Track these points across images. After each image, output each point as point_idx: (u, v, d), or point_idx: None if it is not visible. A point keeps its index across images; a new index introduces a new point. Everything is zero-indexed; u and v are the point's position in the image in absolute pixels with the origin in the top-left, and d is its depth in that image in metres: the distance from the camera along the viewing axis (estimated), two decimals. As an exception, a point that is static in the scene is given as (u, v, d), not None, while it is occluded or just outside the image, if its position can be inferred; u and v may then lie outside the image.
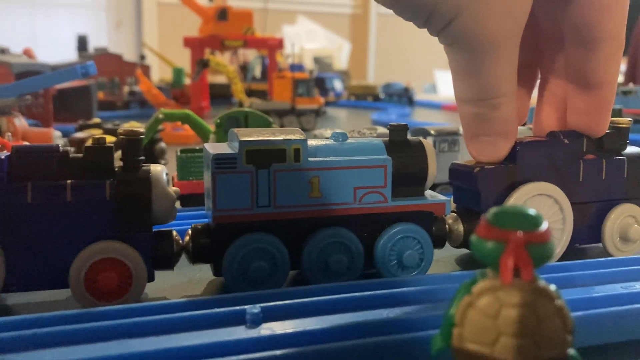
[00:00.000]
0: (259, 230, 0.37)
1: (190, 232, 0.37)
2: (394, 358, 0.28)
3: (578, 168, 0.43)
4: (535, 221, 0.19)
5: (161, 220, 0.36)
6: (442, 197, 0.40)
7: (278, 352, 0.27)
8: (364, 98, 2.07)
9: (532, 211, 0.19)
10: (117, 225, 0.34)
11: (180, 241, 0.37)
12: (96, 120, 0.99)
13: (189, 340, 0.28)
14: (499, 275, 0.19)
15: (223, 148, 0.38)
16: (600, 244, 0.45)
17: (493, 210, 0.20)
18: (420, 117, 1.61)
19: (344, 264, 0.38)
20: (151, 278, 0.36)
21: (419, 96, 2.14)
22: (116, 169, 0.35)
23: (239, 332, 0.29)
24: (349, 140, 0.39)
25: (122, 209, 0.34)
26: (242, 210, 0.37)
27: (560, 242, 0.43)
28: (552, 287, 0.20)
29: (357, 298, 0.33)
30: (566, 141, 0.43)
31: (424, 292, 0.34)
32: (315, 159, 0.38)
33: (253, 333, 0.29)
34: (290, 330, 0.29)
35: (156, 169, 0.36)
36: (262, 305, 0.31)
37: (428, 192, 0.41)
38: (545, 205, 0.42)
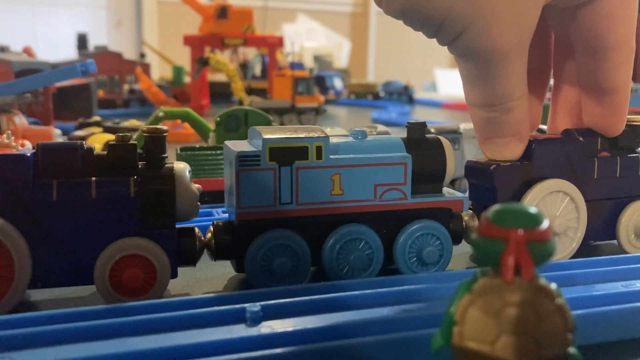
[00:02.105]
0: (281, 227, 0.37)
1: (212, 228, 0.38)
2: (395, 356, 0.28)
3: (593, 165, 0.43)
4: (536, 219, 0.19)
5: (184, 217, 0.36)
6: (459, 194, 0.41)
7: (278, 350, 0.27)
8: (364, 96, 2.07)
9: (533, 209, 0.19)
10: (141, 222, 0.35)
11: (202, 238, 0.37)
12: (96, 118, 0.99)
13: (189, 339, 0.28)
14: (499, 274, 0.19)
15: (245, 146, 0.38)
16: (614, 241, 0.46)
17: (494, 208, 0.20)
18: (420, 115, 1.61)
19: (364, 261, 0.39)
20: (174, 274, 0.36)
21: (418, 94, 2.14)
22: (140, 166, 0.35)
23: (239, 330, 0.29)
24: (368, 138, 0.40)
25: (147, 205, 0.34)
26: (265, 207, 0.37)
27: (575, 239, 0.43)
28: (553, 285, 0.20)
29: (357, 296, 0.33)
30: (581, 139, 0.43)
31: (425, 290, 0.34)
32: (337, 156, 0.38)
33: (253, 331, 0.29)
34: (290, 329, 0.29)
35: (179, 166, 0.36)
36: (262, 303, 0.31)
37: (445, 189, 0.42)
38: (561, 202, 0.42)
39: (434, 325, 0.28)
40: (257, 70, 2.11)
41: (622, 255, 0.42)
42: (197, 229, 0.37)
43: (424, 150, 0.40)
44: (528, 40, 0.38)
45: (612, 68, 0.40)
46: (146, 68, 1.77)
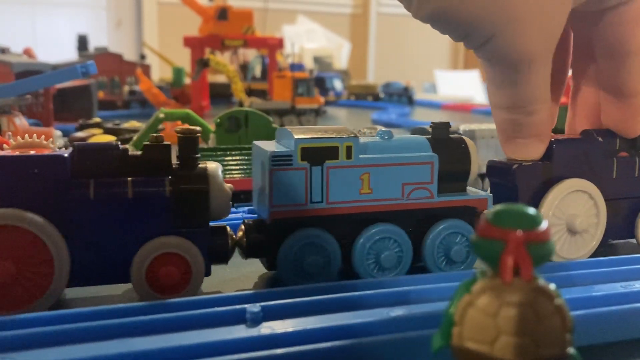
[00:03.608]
0: (312, 225, 0.38)
1: (243, 227, 0.38)
2: (395, 356, 0.28)
3: (612, 165, 0.44)
4: (535, 220, 0.19)
5: (217, 215, 0.36)
6: (483, 193, 0.41)
7: (278, 351, 0.28)
8: (364, 97, 2.07)
9: (532, 210, 0.20)
10: (176, 220, 0.35)
11: (234, 236, 0.38)
12: (96, 119, 0.99)
13: (189, 339, 0.28)
14: (498, 274, 0.19)
15: (275, 146, 0.39)
16: (633, 240, 0.46)
17: (493, 209, 0.20)
18: (420, 116, 1.61)
19: (394, 259, 0.39)
20: (208, 272, 0.36)
21: (418, 96, 2.14)
22: (174, 166, 0.35)
23: (239, 331, 0.29)
24: (395, 138, 0.40)
25: (182, 205, 0.35)
26: (297, 206, 0.37)
27: (595, 238, 0.44)
28: (552, 286, 0.20)
29: (357, 297, 0.33)
30: (600, 139, 0.44)
31: (424, 290, 0.34)
32: (366, 156, 0.39)
33: (253, 332, 0.29)
34: (290, 329, 0.29)
35: (212, 166, 0.36)
36: (262, 304, 0.31)
37: (468, 188, 0.42)
38: (581, 201, 0.43)
39: (434, 325, 0.28)
40: (257, 71, 2.11)
41: (621, 256, 0.42)
42: (228, 228, 0.38)
43: (449, 149, 0.41)
44: (554, 46, 0.38)
45: (632, 72, 0.41)
46: (146, 69, 1.77)
